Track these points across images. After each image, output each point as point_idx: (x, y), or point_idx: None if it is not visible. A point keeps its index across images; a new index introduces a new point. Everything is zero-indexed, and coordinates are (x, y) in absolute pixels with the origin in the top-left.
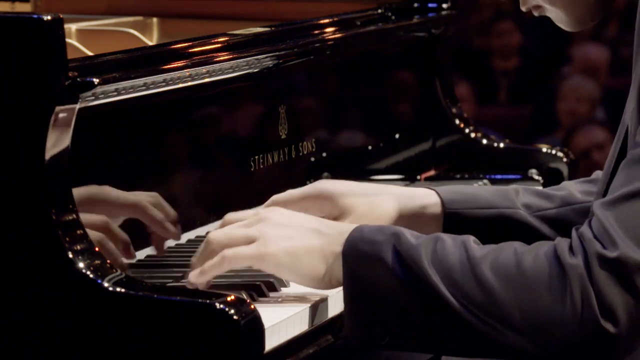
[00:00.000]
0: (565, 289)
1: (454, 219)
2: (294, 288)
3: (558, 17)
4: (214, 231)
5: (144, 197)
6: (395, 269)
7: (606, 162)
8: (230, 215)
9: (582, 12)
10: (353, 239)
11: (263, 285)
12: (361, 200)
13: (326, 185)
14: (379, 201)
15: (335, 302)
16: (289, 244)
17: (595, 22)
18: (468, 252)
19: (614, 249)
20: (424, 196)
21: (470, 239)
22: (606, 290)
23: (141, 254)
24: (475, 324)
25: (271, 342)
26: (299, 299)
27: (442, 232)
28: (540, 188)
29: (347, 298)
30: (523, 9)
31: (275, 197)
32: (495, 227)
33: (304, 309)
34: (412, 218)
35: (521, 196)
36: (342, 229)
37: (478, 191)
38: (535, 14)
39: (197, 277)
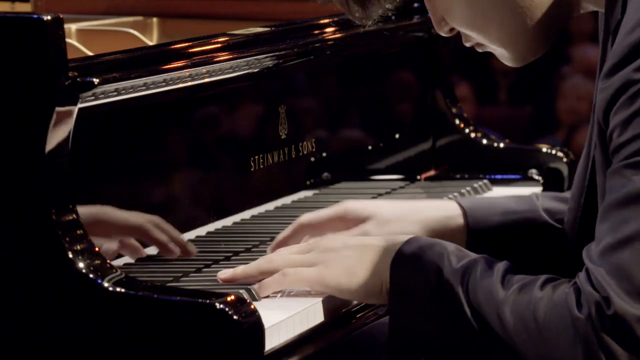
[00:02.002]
0: (575, 342)
1: (478, 228)
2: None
3: (500, 54)
4: (276, 254)
5: (147, 219)
6: (433, 294)
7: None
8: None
9: (522, 49)
10: (403, 254)
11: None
12: (384, 209)
13: (351, 204)
14: (405, 219)
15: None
16: (347, 263)
17: (538, 56)
18: (497, 288)
19: (609, 305)
20: (447, 208)
21: (503, 268)
22: (610, 346)
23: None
24: (488, 356)
25: (272, 342)
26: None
27: (467, 242)
28: (560, 193)
29: (391, 313)
30: (466, 44)
31: (303, 219)
32: (519, 232)
33: (306, 307)
34: (435, 230)
35: (542, 201)
36: (399, 240)
37: (499, 199)
38: (479, 50)
39: (257, 293)
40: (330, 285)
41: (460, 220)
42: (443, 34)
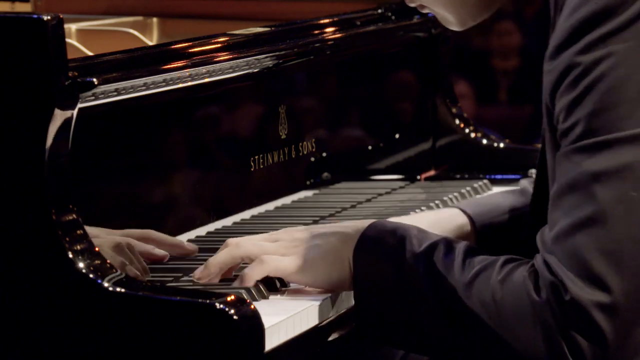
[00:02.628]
0: (535, 325)
1: (485, 232)
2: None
3: (441, 16)
4: (241, 239)
5: (121, 237)
6: (396, 278)
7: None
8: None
9: (463, 13)
10: (365, 239)
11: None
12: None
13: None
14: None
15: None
16: (320, 252)
17: (478, 21)
18: (457, 272)
19: (565, 291)
20: (453, 219)
21: (463, 250)
22: (569, 331)
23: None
24: (454, 339)
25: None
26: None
27: (476, 246)
28: None
29: (355, 303)
30: (410, 4)
31: None
32: (523, 226)
33: (306, 307)
34: None
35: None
36: (360, 226)
37: (497, 198)
38: (421, 11)
39: (238, 285)
40: (307, 276)
41: (468, 229)
42: (409, 3)
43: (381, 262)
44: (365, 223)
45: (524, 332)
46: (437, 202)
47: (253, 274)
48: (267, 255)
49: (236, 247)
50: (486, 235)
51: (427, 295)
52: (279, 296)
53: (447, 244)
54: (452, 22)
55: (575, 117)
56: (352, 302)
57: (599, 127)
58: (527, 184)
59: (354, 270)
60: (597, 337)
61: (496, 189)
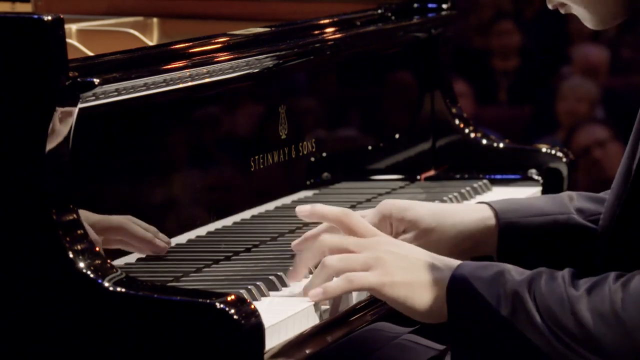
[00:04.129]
0: None
1: (509, 229)
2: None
3: (582, 15)
4: (330, 257)
5: (124, 218)
6: (498, 308)
7: (623, 159)
8: (325, 237)
9: (605, 11)
10: (457, 278)
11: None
12: (426, 214)
13: (391, 202)
14: (443, 225)
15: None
16: (406, 278)
17: (619, 21)
18: (567, 290)
19: None
20: (479, 210)
21: (569, 274)
22: None
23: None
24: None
25: (272, 342)
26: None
27: (498, 243)
28: (594, 194)
29: (451, 336)
30: (549, 6)
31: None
32: (551, 233)
33: (306, 307)
34: (471, 232)
35: (575, 201)
36: (452, 264)
37: (530, 200)
38: (562, 11)
39: (317, 297)
40: (389, 296)
41: (492, 222)
42: (551, 7)
43: (479, 298)
44: (454, 262)
45: None
46: (436, 202)
47: (335, 290)
48: (352, 274)
49: (322, 267)
50: (509, 233)
51: (534, 320)
52: (279, 295)
53: (548, 271)
54: (591, 20)
55: None
56: (354, 301)
57: None
58: (575, 195)
59: (449, 307)
60: None
61: (496, 189)
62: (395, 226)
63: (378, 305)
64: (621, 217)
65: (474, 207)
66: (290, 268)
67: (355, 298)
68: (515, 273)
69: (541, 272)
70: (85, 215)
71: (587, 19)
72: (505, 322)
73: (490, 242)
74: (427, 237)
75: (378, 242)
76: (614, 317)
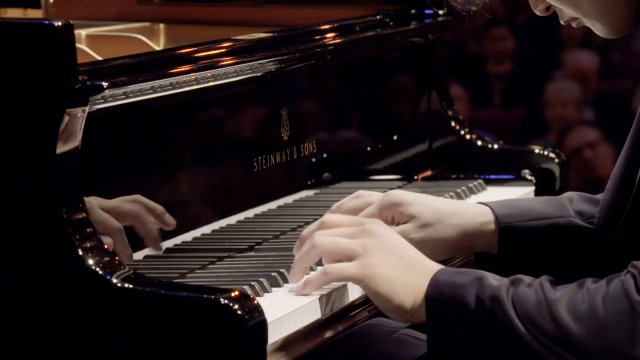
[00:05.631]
0: (636, 326)
1: (509, 233)
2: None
3: (595, 27)
4: (320, 235)
5: (134, 197)
6: (477, 313)
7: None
8: (331, 217)
9: (616, 21)
10: (436, 283)
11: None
12: (427, 210)
13: (395, 194)
14: (444, 222)
15: (343, 294)
16: (390, 274)
17: (633, 30)
18: (545, 293)
19: None
20: (479, 213)
21: (547, 280)
22: None
23: (148, 251)
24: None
25: (274, 336)
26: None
27: (498, 246)
28: (593, 195)
29: (430, 340)
30: (562, 22)
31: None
32: (550, 236)
33: (308, 302)
34: (470, 233)
35: (575, 203)
36: (432, 268)
37: (531, 203)
38: (574, 25)
39: (301, 290)
40: (370, 288)
41: (492, 227)
42: (539, 13)
43: (459, 300)
44: (434, 266)
45: (627, 335)
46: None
47: (314, 282)
48: (329, 267)
49: (312, 246)
50: (510, 237)
51: (513, 324)
52: (281, 291)
53: (526, 277)
54: (604, 30)
55: None
56: (353, 296)
57: None
58: (575, 197)
59: (428, 313)
60: None
61: (490, 189)
62: (397, 217)
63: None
64: (626, 218)
65: (475, 208)
66: (291, 271)
67: (358, 292)
68: (493, 279)
69: (519, 278)
70: (100, 202)
71: (600, 30)
72: (484, 327)
73: (490, 243)
74: (427, 231)
75: (368, 231)
76: (593, 317)
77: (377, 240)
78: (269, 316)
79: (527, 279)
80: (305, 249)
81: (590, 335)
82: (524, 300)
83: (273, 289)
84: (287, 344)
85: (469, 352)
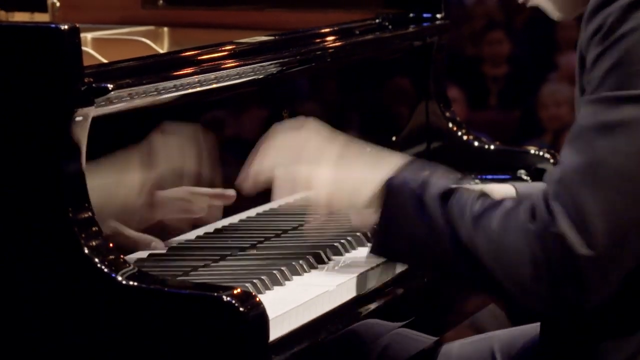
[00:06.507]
0: (526, 251)
1: None
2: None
3: (544, 6)
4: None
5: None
6: (416, 209)
7: None
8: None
9: (563, 3)
10: (392, 181)
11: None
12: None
13: None
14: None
15: (343, 292)
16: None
17: (580, 11)
18: (468, 204)
19: (554, 224)
20: (503, 187)
21: (477, 195)
22: (551, 258)
23: (153, 250)
24: (463, 263)
25: (276, 333)
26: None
27: None
28: None
29: (379, 221)
30: (519, 1)
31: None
32: None
33: (309, 300)
34: None
35: None
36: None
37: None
38: (527, 5)
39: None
40: (320, 182)
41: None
42: (519, 1)
43: (404, 200)
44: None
45: (516, 258)
46: None
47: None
48: (280, 172)
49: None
50: None
51: (441, 226)
52: (283, 288)
53: (464, 189)
54: (552, 11)
55: (597, 69)
56: (353, 294)
57: (613, 82)
58: None
59: (384, 199)
60: (576, 272)
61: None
62: None
63: (372, 301)
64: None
65: (506, 187)
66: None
67: (358, 291)
68: (435, 188)
69: (458, 190)
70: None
71: (549, 10)
72: (417, 219)
73: None
74: None
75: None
76: (494, 230)
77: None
78: (271, 313)
79: (464, 191)
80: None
81: (492, 252)
82: (454, 210)
83: (274, 286)
84: (289, 340)
85: (407, 241)
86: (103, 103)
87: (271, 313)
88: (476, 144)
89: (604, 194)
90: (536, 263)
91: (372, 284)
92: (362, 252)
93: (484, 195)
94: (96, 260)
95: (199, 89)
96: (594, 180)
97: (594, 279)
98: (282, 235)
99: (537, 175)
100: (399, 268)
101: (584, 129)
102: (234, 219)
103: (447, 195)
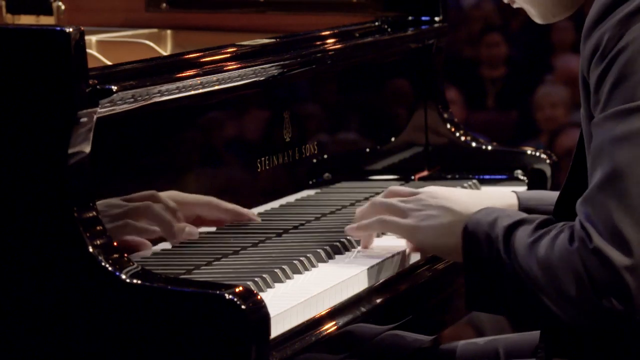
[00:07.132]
0: (568, 272)
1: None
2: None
3: (527, 9)
4: (377, 198)
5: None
6: (489, 247)
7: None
8: (393, 188)
9: (545, 7)
10: (470, 222)
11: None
12: (467, 200)
13: (432, 190)
14: (480, 201)
15: (343, 289)
16: (431, 222)
17: (563, 16)
18: (525, 237)
19: (590, 241)
20: (508, 197)
21: (539, 220)
22: (593, 274)
23: (156, 247)
24: (524, 297)
25: (277, 330)
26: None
27: None
28: None
29: (465, 268)
30: (505, 0)
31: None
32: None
33: (310, 297)
34: None
35: None
36: (470, 210)
37: (552, 193)
38: (514, 6)
39: (353, 231)
40: (417, 237)
41: (515, 209)
42: (505, 1)
43: (480, 241)
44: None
45: (563, 279)
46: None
47: (369, 226)
48: (386, 216)
49: (369, 205)
50: None
51: (504, 262)
52: (284, 286)
53: (528, 219)
54: (535, 15)
55: (602, 89)
56: (352, 292)
57: (621, 98)
58: None
59: (463, 243)
60: (617, 283)
61: (484, 189)
62: None
63: (372, 300)
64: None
65: (503, 193)
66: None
67: (358, 290)
68: (508, 218)
69: (523, 220)
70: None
71: (531, 14)
72: (492, 257)
73: None
74: None
75: (418, 197)
76: (546, 262)
77: (423, 199)
78: (272, 311)
79: (524, 222)
80: (362, 208)
81: (544, 277)
82: (515, 245)
83: (276, 284)
84: (291, 337)
85: (485, 275)
86: (107, 104)
87: (272, 311)
88: (474, 144)
89: (629, 203)
90: (580, 280)
91: (372, 282)
92: (361, 251)
93: (540, 225)
94: (101, 258)
95: (201, 90)
96: (617, 192)
97: (637, 286)
98: (283, 234)
99: (533, 175)
100: (399, 268)
101: (600, 147)
102: None
103: (510, 229)
